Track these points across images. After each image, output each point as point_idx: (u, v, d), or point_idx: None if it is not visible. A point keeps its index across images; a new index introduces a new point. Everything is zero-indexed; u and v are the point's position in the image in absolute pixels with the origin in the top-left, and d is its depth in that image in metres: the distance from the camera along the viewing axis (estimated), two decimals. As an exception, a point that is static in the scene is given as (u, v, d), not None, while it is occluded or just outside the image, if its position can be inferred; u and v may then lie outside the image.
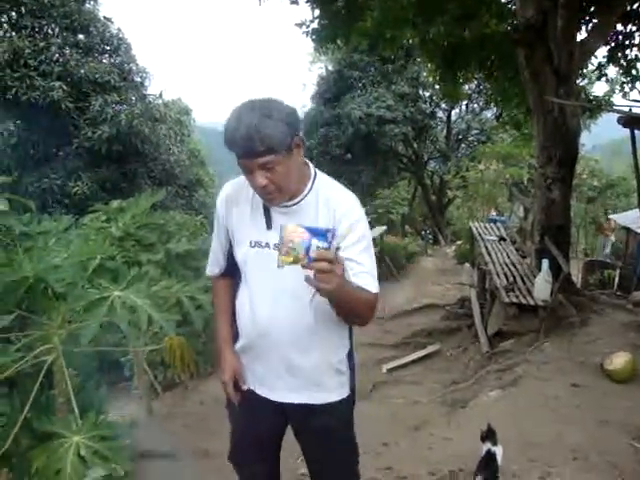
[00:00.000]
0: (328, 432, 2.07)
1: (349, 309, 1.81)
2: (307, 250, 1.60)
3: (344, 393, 2.06)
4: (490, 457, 2.98)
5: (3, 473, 2.76)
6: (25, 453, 2.34)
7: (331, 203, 1.87)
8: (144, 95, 12.94)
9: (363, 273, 1.82)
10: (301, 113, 20.73)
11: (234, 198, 1.96)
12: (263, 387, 1.99)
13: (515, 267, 6.82)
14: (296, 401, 1.98)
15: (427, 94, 19.52)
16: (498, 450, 3.00)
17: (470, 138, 20.53)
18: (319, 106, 19.69)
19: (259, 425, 2.08)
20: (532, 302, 5.59)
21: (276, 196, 1.79)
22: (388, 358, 6.78)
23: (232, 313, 2.04)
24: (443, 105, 19.43)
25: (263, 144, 1.67)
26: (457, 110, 20.45)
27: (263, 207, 1.88)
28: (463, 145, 20.41)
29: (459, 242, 13.93)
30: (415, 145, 20.31)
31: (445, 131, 20.43)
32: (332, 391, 2.03)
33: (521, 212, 8.85)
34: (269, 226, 1.88)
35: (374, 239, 11.36)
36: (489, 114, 19.42)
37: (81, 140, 11.56)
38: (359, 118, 17.17)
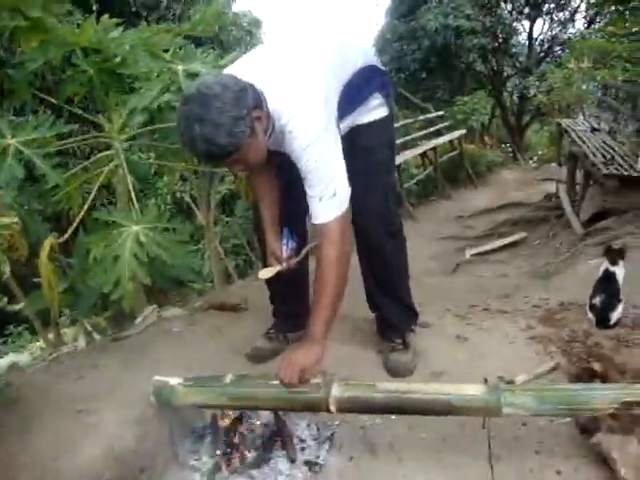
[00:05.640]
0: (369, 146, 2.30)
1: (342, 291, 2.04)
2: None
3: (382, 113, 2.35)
4: (609, 277, 2.64)
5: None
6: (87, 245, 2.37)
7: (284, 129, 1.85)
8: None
9: (313, 199, 1.90)
10: (375, 31, 19.88)
11: None
12: None
13: (613, 149, 6.27)
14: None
15: (509, 7, 18.27)
16: (618, 270, 2.64)
17: (556, 54, 19.06)
18: (393, 20, 18.79)
19: None
20: (635, 173, 5.11)
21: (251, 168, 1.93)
22: (471, 246, 6.49)
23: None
24: (526, 10, 18.08)
25: (223, 151, 1.63)
26: (541, 21, 18.92)
27: None
28: (547, 60, 18.92)
29: (540, 152, 13.11)
30: (494, 61, 19.12)
31: (527, 43, 19.02)
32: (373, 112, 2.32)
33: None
34: None
35: (451, 141, 10.88)
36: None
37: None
38: (435, 30, 16.20)
